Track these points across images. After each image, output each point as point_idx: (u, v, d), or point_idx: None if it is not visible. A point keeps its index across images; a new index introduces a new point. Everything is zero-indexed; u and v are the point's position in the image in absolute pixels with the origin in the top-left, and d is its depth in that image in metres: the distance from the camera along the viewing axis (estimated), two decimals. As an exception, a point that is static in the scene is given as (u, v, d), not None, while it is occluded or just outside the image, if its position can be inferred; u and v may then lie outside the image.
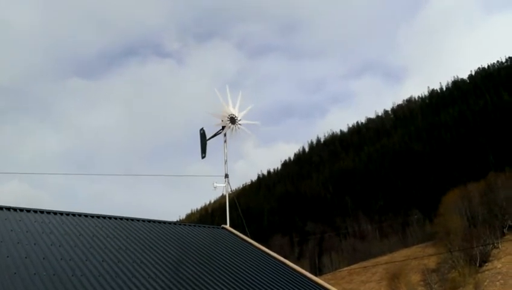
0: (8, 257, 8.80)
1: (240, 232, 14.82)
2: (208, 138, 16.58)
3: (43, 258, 9.10)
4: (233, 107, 16.39)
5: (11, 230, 10.41)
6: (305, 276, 11.89)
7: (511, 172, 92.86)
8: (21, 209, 12.05)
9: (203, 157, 16.56)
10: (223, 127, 16.25)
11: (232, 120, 16.18)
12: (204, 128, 16.68)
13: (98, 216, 13.17)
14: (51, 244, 10.04)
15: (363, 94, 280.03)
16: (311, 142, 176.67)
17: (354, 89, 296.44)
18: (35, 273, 8.26)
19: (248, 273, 11.09)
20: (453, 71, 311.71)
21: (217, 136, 16.52)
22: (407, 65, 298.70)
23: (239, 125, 16.23)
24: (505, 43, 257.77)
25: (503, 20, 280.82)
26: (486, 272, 74.55)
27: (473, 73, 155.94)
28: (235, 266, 11.41)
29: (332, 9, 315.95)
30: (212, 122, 16.56)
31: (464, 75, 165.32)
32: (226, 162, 16.12)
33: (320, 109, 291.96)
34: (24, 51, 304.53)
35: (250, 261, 12.13)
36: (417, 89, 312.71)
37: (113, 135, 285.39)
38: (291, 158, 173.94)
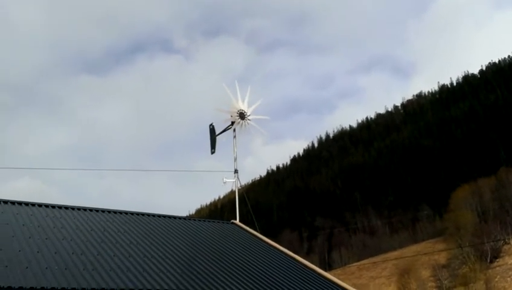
0: (20, 251, 8.87)
1: (250, 227, 14.84)
2: (217, 133, 16.60)
3: (55, 253, 9.17)
4: (243, 102, 16.38)
5: (23, 225, 10.50)
6: (315, 271, 11.89)
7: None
8: (32, 204, 12.14)
9: (212, 152, 16.57)
10: (232, 123, 16.25)
11: (242, 115, 16.17)
12: (214, 124, 16.70)
13: (109, 211, 13.25)
14: (63, 239, 10.11)
15: (372, 89, 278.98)
16: (320, 138, 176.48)
17: (363, 84, 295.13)
18: (47, 268, 8.32)
19: (258, 268, 11.10)
20: (464, 66, 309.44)
21: (226, 132, 16.54)
22: (417, 60, 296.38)
23: (248, 121, 16.22)
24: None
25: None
26: (497, 268, 74.08)
27: (484, 68, 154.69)
28: (245, 261, 11.43)
29: (340, 4, 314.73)
30: (221, 118, 16.57)
31: (475, 70, 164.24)
32: (235, 157, 16.14)
33: (328, 105, 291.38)
34: (32, 48, 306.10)
35: (261, 256, 12.15)
36: (427, 84, 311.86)
37: (121, 131, 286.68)
38: (301, 153, 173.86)
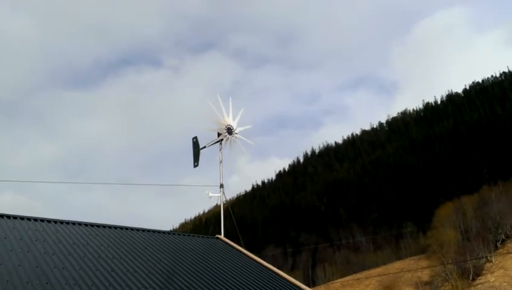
0: (1, 264, 8.75)
1: (234, 242, 14.79)
2: (201, 147, 16.56)
3: (36, 267, 9.05)
4: (232, 118, 16.41)
5: (4, 237, 10.35)
6: (299, 287, 11.86)
7: (505, 186, 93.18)
8: (14, 217, 11.98)
9: (195, 166, 16.49)
10: (219, 135, 16.26)
11: (229, 131, 16.19)
12: (197, 137, 16.66)
13: (92, 225, 13.12)
14: (44, 253, 9.98)
15: (358, 106, 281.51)
16: (306, 153, 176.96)
17: (349, 101, 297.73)
18: (28, 282, 8.21)
19: (242, 283, 11.05)
20: (448, 86, 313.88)
21: (212, 147, 16.51)
22: (401, 79, 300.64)
23: (235, 136, 16.25)
24: (498, 58, 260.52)
25: (494, 38, 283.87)
26: (479, 286, 74.45)
27: (468, 87, 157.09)
28: (229, 276, 11.38)
29: (327, 23, 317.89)
30: (209, 132, 16.58)
31: (459, 89, 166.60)
32: (221, 172, 16.12)
33: (314, 121, 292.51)
34: (20, 60, 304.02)
35: (245, 271, 12.10)
36: (412, 102, 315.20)
37: (108, 144, 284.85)
38: (286, 169, 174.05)
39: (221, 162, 16.15)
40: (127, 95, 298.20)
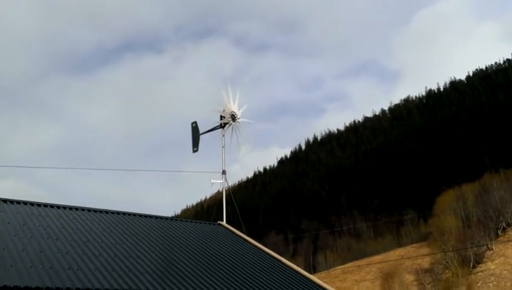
0: (4, 249, 8.81)
1: (236, 228, 14.86)
2: (201, 132, 16.49)
3: (40, 252, 9.12)
4: (235, 104, 16.36)
5: (8, 223, 10.42)
6: (300, 273, 11.95)
7: (506, 173, 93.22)
8: (18, 202, 12.04)
9: (194, 151, 16.41)
10: (222, 124, 16.22)
11: (233, 117, 16.15)
12: (197, 122, 16.60)
13: (95, 210, 13.19)
14: (48, 238, 10.05)
15: (360, 93, 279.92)
16: (308, 140, 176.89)
17: (352, 88, 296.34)
18: (31, 267, 8.27)
19: (244, 269, 11.14)
20: (451, 73, 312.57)
21: (213, 133, 16.47)
22: (404, 67, 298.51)
23: (238, 123, 16.23)
24: (501, 46, 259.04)
25: (497, 26, 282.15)
26: (480, 273, 74.85)
27: (471, 74, 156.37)
28: (231, 262, 11.46)
29: (329, 9, 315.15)
30: (210, 118, 16.53)
31: (462, 76, 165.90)
32: (223, 158, 16.12)
33: (317, 108, 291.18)
34: (19, 46, 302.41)
35: (246, 257, 12.18)
36: (415, 89, 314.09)
37: (108, 130, 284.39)
38: (288, 156, 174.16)
39: (223, 147, 16.13)
40: (128, 81, 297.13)
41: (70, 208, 12.80)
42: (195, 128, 16.48)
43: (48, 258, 8.85)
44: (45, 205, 12.39)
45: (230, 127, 16.14)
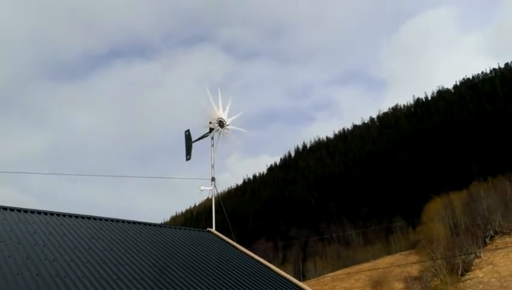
0: (-10, 256, 8.70)
1: (225, 235, 14.81)
2: (193, 140, 16.51)
3: (27, 258, 9.02)
4: (223, 111, 16.38)
5: (-6, 229, 10.29)
6: (289, 281, 11.92)
7: (494, 182, 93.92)
8: (4, 208, 11.90)
9: (188, 159, 16.44)
10: (211, 130, 16.21)
11: (221, 124, 16.15)
12: (190, 130, 16.60)
13: (83, 217, 13.08)
14: (35, 244, 9.94)
15: (349, 101, 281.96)
16: (297, 148, 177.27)
17: (341, 96, 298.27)
18: (18, 273, 8.17)
19: (233, 276, 11.08)
20: (438, 82, 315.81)
21: (204, 140, 16.46)
22: (392, 76, 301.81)
23: (227, 130, 16.22)
24: (486, 56, 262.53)
25: (482, 36, 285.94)
26: (468, 281, 75.14)
27: (458, 83, 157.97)
28: (220, 269, 11.41)
29: (317, 18, 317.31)
30: (200, 125, 16.52)
31: (449, 85, 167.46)
32: (213, 165, 16.10)
33: (306, 115, 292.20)
34: (7, 51, 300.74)
35: (236, 265, 12.14)
36: (403, 98, 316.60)
37: (97, 137, 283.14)
38: (277, 163, 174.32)
39: (213, 151, 16.12)
40: (117, 87, 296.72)
41: (58, 214, 12.68)
42: (188, 136, 16.50)
43: (35, 265, 8.75)
44: (32, 211, 12.27)
45: (219, 133, 16.14)
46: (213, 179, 15.92)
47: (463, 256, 78.60)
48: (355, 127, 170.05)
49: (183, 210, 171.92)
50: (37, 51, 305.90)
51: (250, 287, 10.66)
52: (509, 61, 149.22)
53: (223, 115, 16.26)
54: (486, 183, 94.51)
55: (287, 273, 12.60)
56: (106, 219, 13.43)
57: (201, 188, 15.75)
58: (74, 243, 10.72)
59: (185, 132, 16.62)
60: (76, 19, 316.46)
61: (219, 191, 16.28)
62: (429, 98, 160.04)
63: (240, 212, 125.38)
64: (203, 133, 16.40)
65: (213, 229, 15.22)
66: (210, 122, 16.17)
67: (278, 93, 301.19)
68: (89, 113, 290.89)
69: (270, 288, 10.95)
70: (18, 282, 7.82)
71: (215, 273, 10.99)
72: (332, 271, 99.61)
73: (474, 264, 79.09)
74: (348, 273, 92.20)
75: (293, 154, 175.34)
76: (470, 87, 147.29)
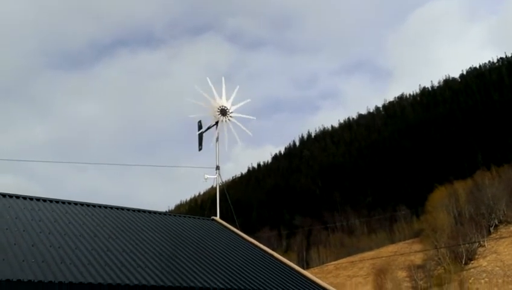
0: (-4, 243, 8.78)
1: (230, 224, 14.88)
2: (200, 131, 16.55)
3: (32, 245, 9.09)
4: (226, 99, 16.35)
5: (0, 216, 10.37)
6: (293, 269, 11.98)
7: (498, 171, 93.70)
8: (10, 196, 11.98)
9: (199, 149, 16.51)
10: (217, 123, 16.24)
11: (223, 112, 16.13)
12: (201, 121, 16.63)
13: (88, 204, 13.15)
14: (40, 232, 10.02)
15: (355, 91, 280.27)
16: (302, 137, 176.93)
17: (346, 85, 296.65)
18: (23, 260, 8.24)
19: (237, 264, 11.14)
20: (445, 71, 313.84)
21: (210, 130, 16.52)
22: (398, 65, 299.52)
23: (230, 118, 16.21)
24: (493, 45, 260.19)
25: (489, 25, 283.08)
26: (472, 270, 75.30)
27: (464, 72, 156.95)
28: (224, 257, 11.47)
29: (323, 7, 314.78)
30: (203, 114, 16.55)
31: (456, 74, 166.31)
32: (217, 154, 16.12)
33: (311, 105, 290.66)
34: (12, 40, 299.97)
35: (240, 253, 12.20)
36: (409, 87, 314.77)
37: (102, 125, 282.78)
38: (282, 152, 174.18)
39: (217, 140, 16.12)
40: (122, 76, 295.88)
41: (63, 202, 12.76)
42: (200, 127, 16.54)
43: (41, 252, 8.82)
44: (38, 199, 12.34)
45: (223, 122, 16.14)
46: (217, 168, 15.95)
47: (467, 245, 78.72)
48: (360, 116, 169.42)
49: (188, 199, 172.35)
50: (42, 41, 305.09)
51: (254, 275, 10.72)
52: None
53: (227, 104, 16.24)
54: (490, 173, 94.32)
55: (290, 261, 12.67)
56: (111, 207, 13.51)
57: (206, 176, 15.80)
58: (79, 230, 10.80)
59: (198, 122, 16.65)
60: (82, 8, 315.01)
61: (223, 180, 16.35)
62: (435, 87, 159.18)
63: (244, 200, 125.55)
64: (208, 123, 16.45)
65: (217, 218, 15.28)
66: (217, 112, 16.13)
67: (283, 82, 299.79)
68: (94, 103, 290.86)
69: (273, 276, 11.00)
70: (24, 269, 7.89)
71: (219, 261, 11.05)
72: (336, 260, 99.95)
73: (478, 253, 79.20)
74: (352, 262, 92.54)
75: (297, 143, 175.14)
76: (477, 77, 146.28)
